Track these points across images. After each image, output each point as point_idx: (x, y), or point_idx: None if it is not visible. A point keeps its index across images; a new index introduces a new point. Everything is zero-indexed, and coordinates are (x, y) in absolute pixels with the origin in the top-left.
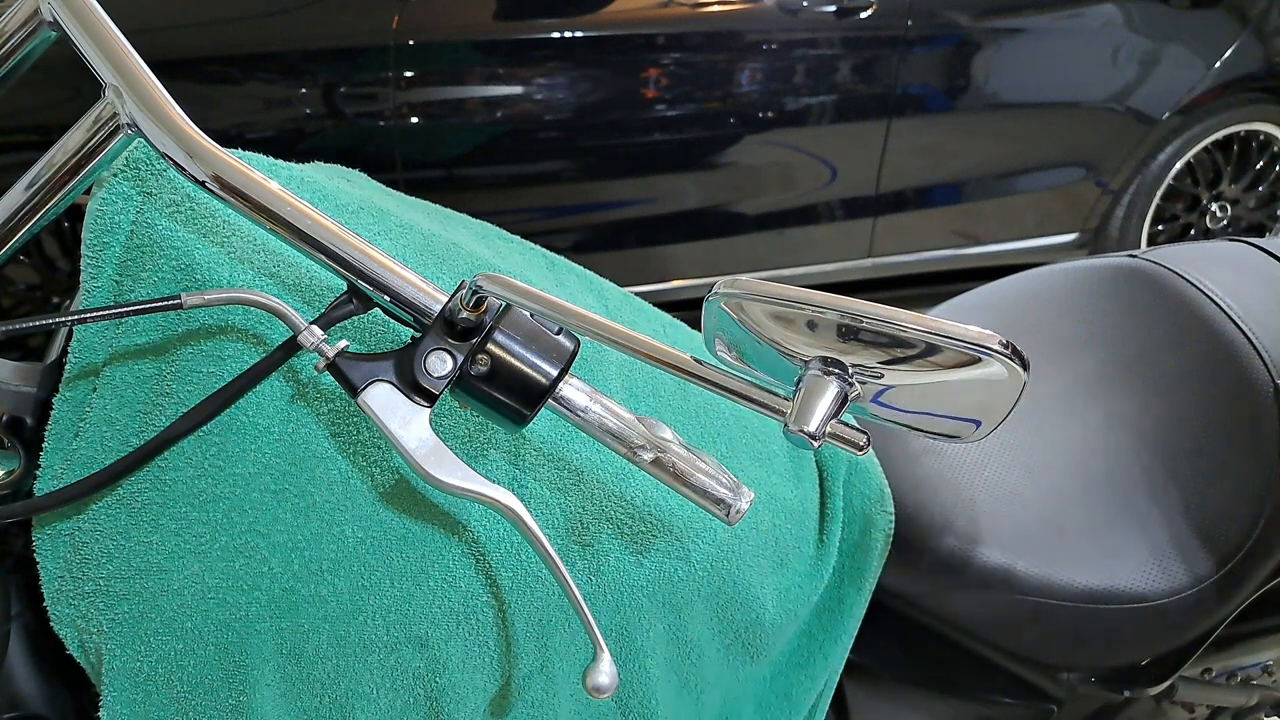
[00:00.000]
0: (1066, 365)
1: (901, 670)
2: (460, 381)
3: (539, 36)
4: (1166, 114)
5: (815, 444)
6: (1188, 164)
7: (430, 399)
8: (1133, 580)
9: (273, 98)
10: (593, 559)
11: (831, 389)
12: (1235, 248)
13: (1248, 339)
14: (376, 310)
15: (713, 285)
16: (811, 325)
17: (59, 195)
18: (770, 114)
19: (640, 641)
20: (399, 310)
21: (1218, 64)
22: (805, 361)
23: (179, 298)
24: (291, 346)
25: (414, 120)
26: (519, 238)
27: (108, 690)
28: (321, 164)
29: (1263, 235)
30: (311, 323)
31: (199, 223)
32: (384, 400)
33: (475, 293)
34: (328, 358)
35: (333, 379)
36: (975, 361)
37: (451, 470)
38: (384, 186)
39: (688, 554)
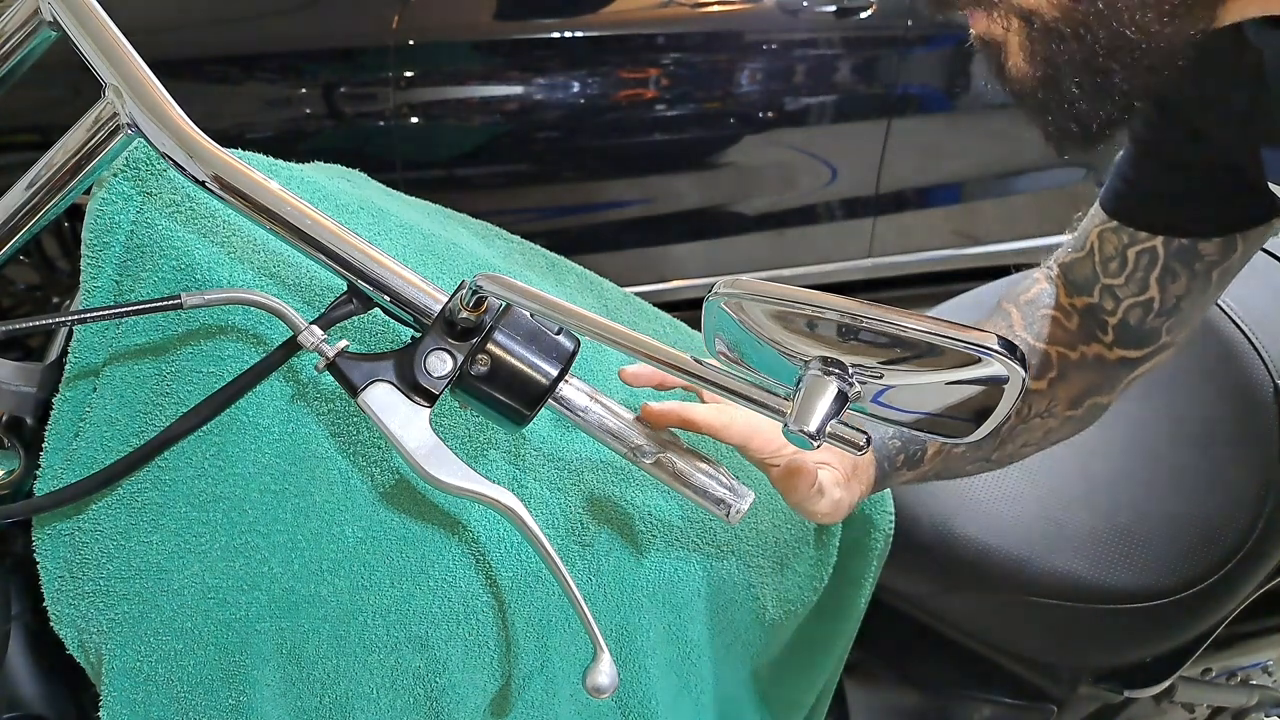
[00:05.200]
0: None
1: (902, 670)
2: (460, 381)
3: (539, 36)
4: None
5: (815, 443)
6: None
7: (430, 399)
8: (1133, 580)
9: (273, 98)
10: (592, 559)
11: (831, 389)
12: None
13: (1248, 339)
14: (377, 310)
15: (713, 285)
16: (811, 325)
17: (59, 195)
18: (770, 114)
19: (640, 641)
20: (399, 310)
21: None
22: (805, 361)
23: (179, 298)
24: (291, 346)
25: (414, 120)
26: (519, 238)
27: (108, 690)
28: (321, 164)
29: None
30: (312, 323)
31: (199, 223)
32: (384, 400)
33: (475, 293)
34: (328, 358)
35: (333, 379)
36: (975, 361)
37: (451, 470)
38: (384, 186)
39: (688, 554)
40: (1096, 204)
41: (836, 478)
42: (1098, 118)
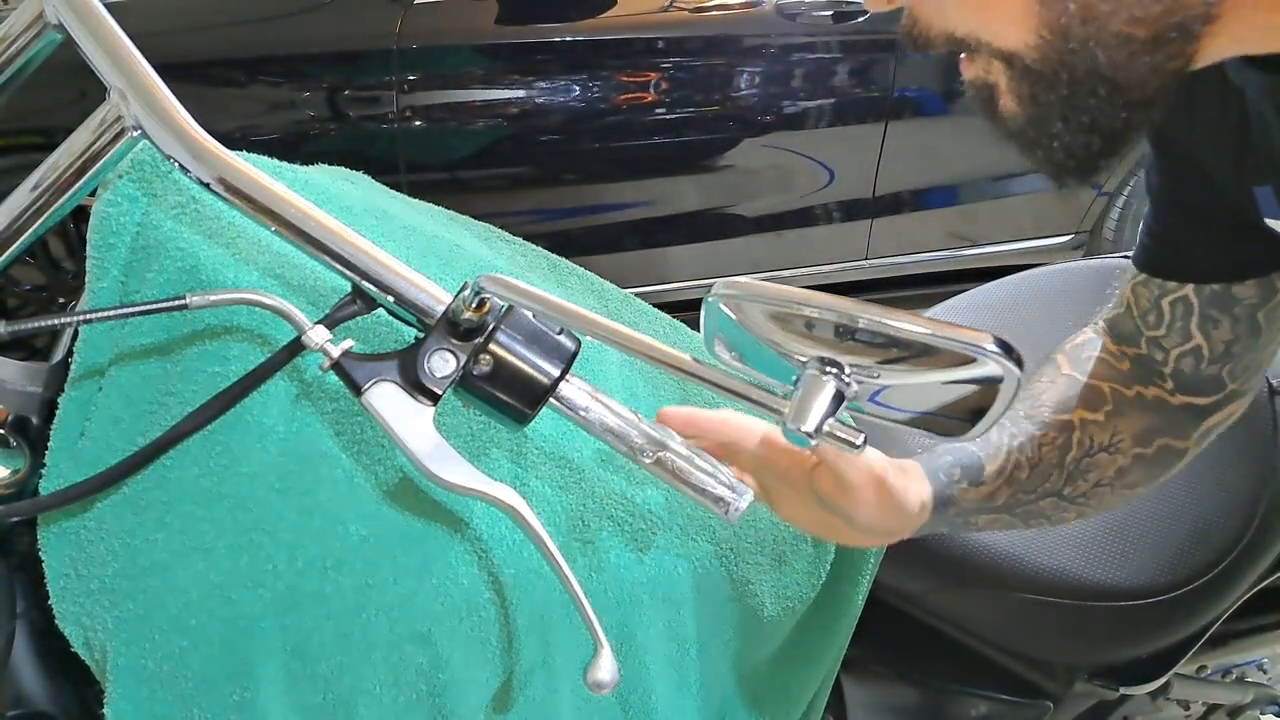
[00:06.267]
0: None
1: (899, 666)
2: (463, 381)
3: (540, 40)
4: None
5: (812, 442)
6: None
7: (433, 398)
8: (1128, 577)
9: (277, 101)
10: (594, 556)
11: (828, 388)
12: None
13: None
14: (380, 311)
15: (712, 286)
16: (809, 326)
17: (64, 197)
18: (769, 117)
19: (641, 638)
20: (403, 311)
21: None
22: (803, 361)
23: (184, 298)
24: (296, 346)
25: (416, 123)
26: (520, 239)
27: (113, 687)
28: (325, 166)
29: None
30: (316, 323)
31: (204, 224)
32: (388, 400)
33: (478, 293)
34: (332, 357)
35: (337, 379)
36: (970, 361)
37: (454, 469)
38: (387, 189)
39: (688, 551)
40: (1130, 261)
41: (882, 462)
42: (1086, 152)
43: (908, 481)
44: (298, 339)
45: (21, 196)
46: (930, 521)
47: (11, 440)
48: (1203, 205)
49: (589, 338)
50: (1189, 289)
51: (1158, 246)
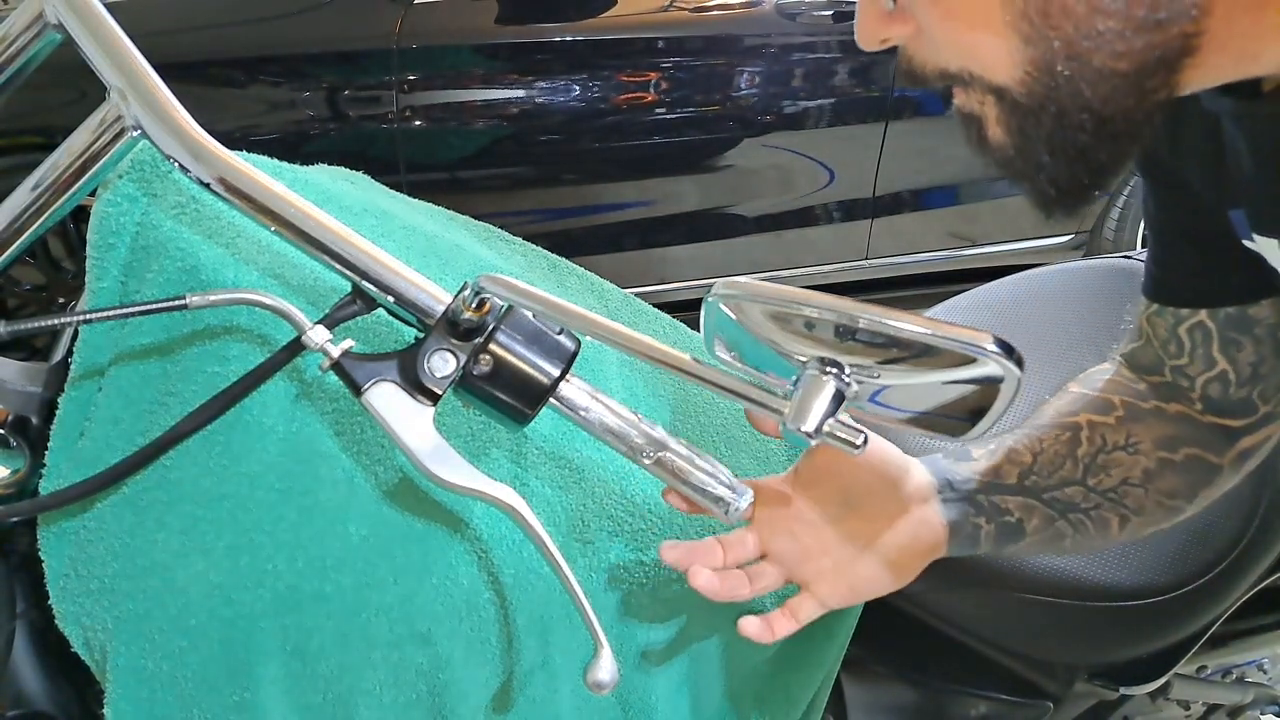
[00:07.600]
0: (1062, 366)
1: (899, 666)
2: (463, 381)
3: (540, 40)
4: None
5: (813, 442)
6: None
7: (433, 398)
8: (1128, 577)
9: (277, 101)
10: (594, 556)
11: (829, 388)
12: None
13: None
14: (380, 311)
15: (712, 286)
16: (809, 326)
17: (64, 197)
18: (769, 117)
19: (641, 638)
20: (403, 311)
21: None
22: (803, 361)
23: (184, 298)
24: (296, 346)
25: (417, 123)
26: (520, 240)
27: (112, 687)
28: (325, 166)
29: None
30: (316, 323)
31: (204, 224)
32: (387, 400)
33: (478, 293)
34: (332, 357)
35: (337, 379)
36: (970, 361)
37: (454, 469)
38: (387, 189)
39: None
40: (1140, 293)
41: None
42: (1073, 184)
43: (902, 458)
44: (298, 339)
45: (21, 196)
46: (952, 520)
47: (11, 440)
48: (1201, 229)
49: (589, 338)
50: (1204, 314)
51: (1165, 274)
